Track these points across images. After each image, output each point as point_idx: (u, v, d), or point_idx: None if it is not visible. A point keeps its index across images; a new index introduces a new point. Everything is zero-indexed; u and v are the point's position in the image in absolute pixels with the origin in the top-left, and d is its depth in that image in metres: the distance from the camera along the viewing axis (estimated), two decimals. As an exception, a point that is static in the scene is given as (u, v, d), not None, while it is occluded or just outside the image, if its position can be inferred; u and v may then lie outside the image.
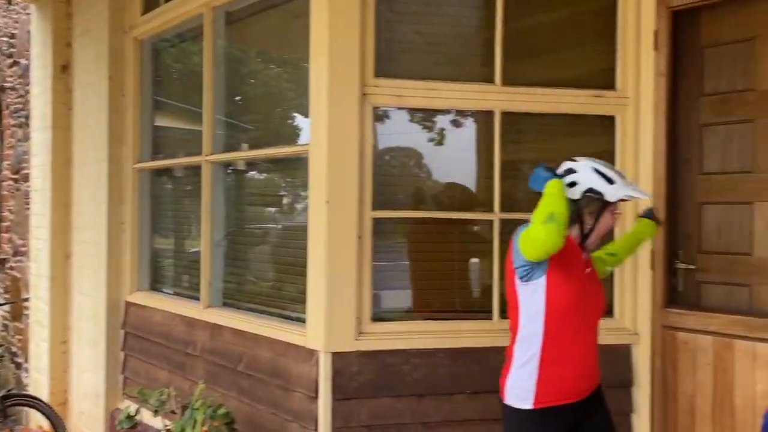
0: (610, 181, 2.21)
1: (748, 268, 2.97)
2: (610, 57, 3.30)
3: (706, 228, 3.11)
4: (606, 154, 3.31)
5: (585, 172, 2.22)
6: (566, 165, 2.27)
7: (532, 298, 2.21)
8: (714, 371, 2.96)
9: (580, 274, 2.26)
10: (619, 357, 3.18)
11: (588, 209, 2.24)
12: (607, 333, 3.13)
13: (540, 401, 2.20)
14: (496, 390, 3.07)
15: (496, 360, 3.03)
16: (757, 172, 2.95)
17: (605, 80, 3.30)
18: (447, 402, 3.09)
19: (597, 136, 3.37)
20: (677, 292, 3.16)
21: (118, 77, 4.60)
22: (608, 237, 2.60)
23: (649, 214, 2.77)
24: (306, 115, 3.22)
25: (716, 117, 3.08)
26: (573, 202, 2.18)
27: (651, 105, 3.17)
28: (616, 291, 3.27)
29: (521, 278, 2.21)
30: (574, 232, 2.28)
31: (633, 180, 3.22)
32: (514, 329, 2.32)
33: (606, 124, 3.33)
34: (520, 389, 2.24)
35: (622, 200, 2.27)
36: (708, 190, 3.10)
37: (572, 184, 2.21)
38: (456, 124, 3.38)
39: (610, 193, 2.20)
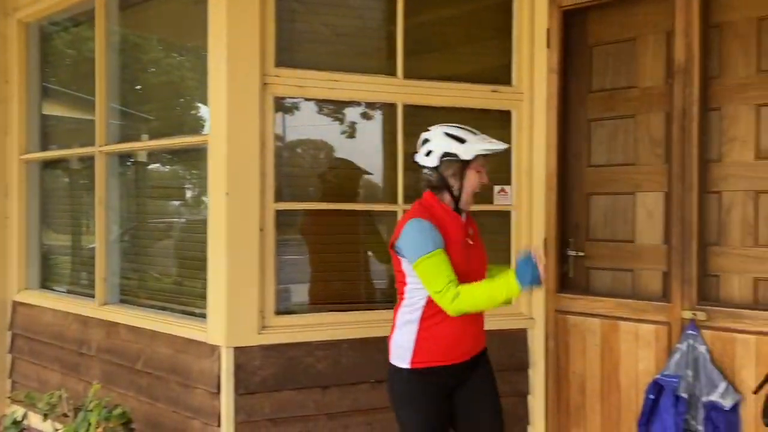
0: (461, 140, 2.30)
1: (630, 255, 3.18)
2: (507, 53, 3.43)
3: (593, 217, 3.30)
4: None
5: (437, 139, 2.33)
6: (421, 137, 2.41)
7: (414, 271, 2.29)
8: (602, 351, 3.14)
9: (458, 245, 2.31)
10: (516, 341, 3.33)
11: (450, 172, 2.32)
12: (504, 318, 3.29)
13: (416, 361, 2.31)
14: (401, 378, 3.14)
15: (399, 349, 3.10)
16: (638, 165, 3.16)
17: (502, 76, 3.43)
18: (351, 392, 3.11)
19: (496, 130, 3.47)
20: (568, 278, 3.33)
21: (0, 63, 4.30)
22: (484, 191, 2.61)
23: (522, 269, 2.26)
24: (208, 105, 3.14)
25: (603, 113, 3.26)
26: (435, 170, 2.32)
27: (544, 100, 3.32)
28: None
29: (404, 256, 2.31)
30: (446, 198, 2.36)
31: (527, 173, 3.38)
32: (400, 294, 2.44)
33: (504, 118, 3.46)
34: (400, 349, 2.36)
35: (482, 155, 2.33)
36: (595, 181, 3.28)
37: (428, 153, 2.34)
38: (361, 116, 3.40)
39: (464, 151, 2.28)
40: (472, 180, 2.34)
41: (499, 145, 2.35)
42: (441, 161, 2.30)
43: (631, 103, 3.17)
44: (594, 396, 3.18)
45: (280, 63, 3.05)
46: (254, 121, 2.95)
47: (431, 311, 2.29)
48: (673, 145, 2.95)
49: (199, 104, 3.69)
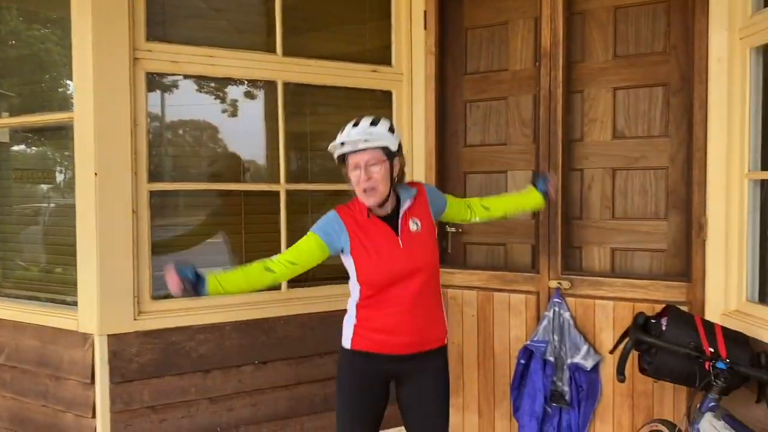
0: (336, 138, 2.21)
1: (503, 229, 3.36)
2: (387, 34, 3.48)
3: (470, 195, 3.43)
4: (386, 127, 3.50)
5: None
6: None
7: (349, 266, 2.30)
8: (478, 322, 3.31)
9: (380, 244, 2.23)
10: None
11: (344, 173, 2.28)
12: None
13: (354, 343, 2.32)
14: (286, 358, 3.17)
15: (284, 329, 3.12)
16: (509, 144, 3.33)
17: (382, 56, 3.48)
18: (235, 374, 3.09)
19: (378, 110, 3.52)
20: (447, 253, 3.46)
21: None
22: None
23: (541, 186, 2.58)
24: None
25: (477, 94, 3.40)
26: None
27: (423, 81, 3.40)
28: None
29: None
30: None
31: (407, 152, 3.46)
32: None
33: (385, 98, 3.52)
34: (344, 329, 2.37)
35: (342, 158, 2.22)
36: (471, 160, 3.42)
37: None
38: (242, 95, 3.33)
39: (333, 151, 2.23)
40: (352, 179, 2.21)
41: (342, 141, 2.17)
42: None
43: (503, 85, 3.32)
44: (471, 365, 3.34)
45: (152, 37, 2.92)
46: (124, 98, 2.81)
47: (365, 303, 2.28)
48: (540, 125, 3.13)
49: (68, 81, 3.46)
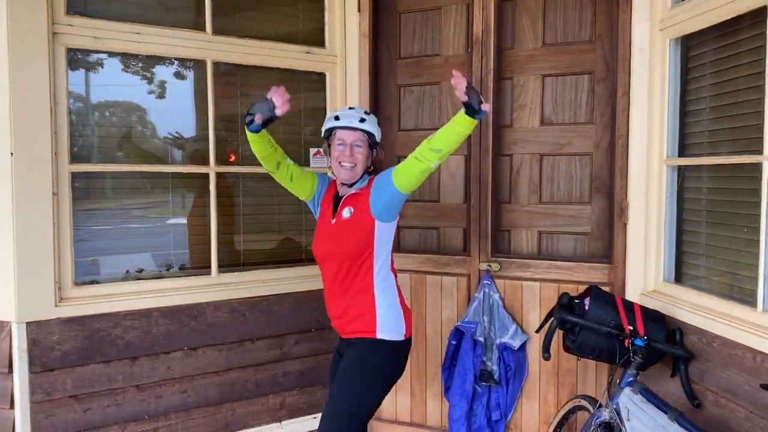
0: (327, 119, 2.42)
1: (436, 214, 3.40)
2: (320, 15, 3.44)
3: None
4: (320, 110, 3.48)
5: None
6: None
7: None
8: (411, 304, 3.34)
9: (323, 220, 2.45)
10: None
11: (325, 150, 2.53)
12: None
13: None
14: (216, 344, 3.13)
15: (213, 315, 3.07)
16: (442, 129, 3.36)
17: (316, 38, 3.44)
18: (164, 361, 3.02)
19: (312, 92, 3.51)
20: (381, 237, 3.47)
21: None
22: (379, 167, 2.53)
23: (468, 103, 2.04)
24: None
25: (411, 79, 3.41)
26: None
27: (357, 64, 3.39)
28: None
29: None
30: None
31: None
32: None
33: (320, 80, 3.49)
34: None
35: (332, 131, 2.40)
36: (405, 144, 3.44)
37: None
38: (171, 74, 3.22)
39: (323, 129, 2.43)
40: (334, 154, 2.39)
41: (336, 118, 2.38)
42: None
43: (436, 70, 3.35)
44: (404, 346, 3.38)
45: (72, 10, 2.78)
46: (43, 74, 2.67)
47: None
48: (472, 110, 3.17)
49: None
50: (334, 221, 2.37)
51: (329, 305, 2.44)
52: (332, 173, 2.45)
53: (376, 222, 2.29)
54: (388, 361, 2.34)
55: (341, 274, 2.33)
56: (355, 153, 2.33)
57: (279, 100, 2.15)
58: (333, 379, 2.40)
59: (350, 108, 2.43)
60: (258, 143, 2.27)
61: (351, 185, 2.38)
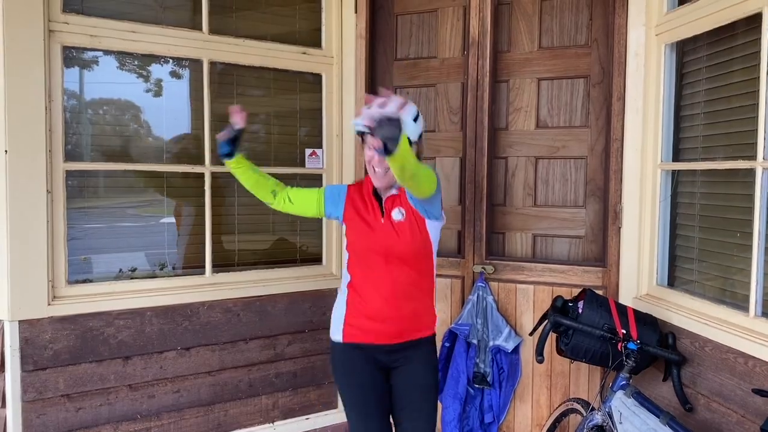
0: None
1: (431, 215, 3.40)
2: (317, 16, 3.44)
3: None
4: (316, 111, 3.48)
5: None
6: None
7: (344, 235, 2.34)
8: (404, 307, 3.34)
9: (369, 218, 2.26)
10: (326, 300, 3.41)
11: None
12: (315, 279, 3.38)
13: (346, 335, 2.27)
14: (208, 343, 3.12)
15: (207, 315, 3.06)
16: (438, 131, 3.37)
17: (312, 39, 3.44)
18: (156, 361, 3.01)
19: (308, 93, 3.50)
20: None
21: None
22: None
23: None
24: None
25: (407, 80, 3.42)
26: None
27: (353, 65, 3.39)
28: (323, 239, 3.50)
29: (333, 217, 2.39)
30: None
31: (337, 136, 3.45)
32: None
33: (315, 81, 3.48)
34: (333, 320, 2.34)
35: (363, 133, 2.15)
36: (400, 146, 3.43)
37: None
38: (166, 73, 3.21)
39: (354, 126, 2.14)
40: (366, 156, 2.23)
41: (359, 123, 1.99)
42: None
43: (432, 72, 3.35)
44: (398, 348, 3.38)
45: (68, 8, 2.78)
46: (38, 72, 2.66)
47: (354, 284, 2.33)
48: (467, 113, 3.18)
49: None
50: (384, 220, 2.23)
51: (375, 311, 2.22)
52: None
53: (426, 221, 2.22)
54: None
55: (402, 276, 2.21)
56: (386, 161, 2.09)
57: (235, 117, 2.23)
58: (384, 399, 2.29)
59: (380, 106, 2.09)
60: (240, 171, 2.33)
61: (385, 189, 2.26)
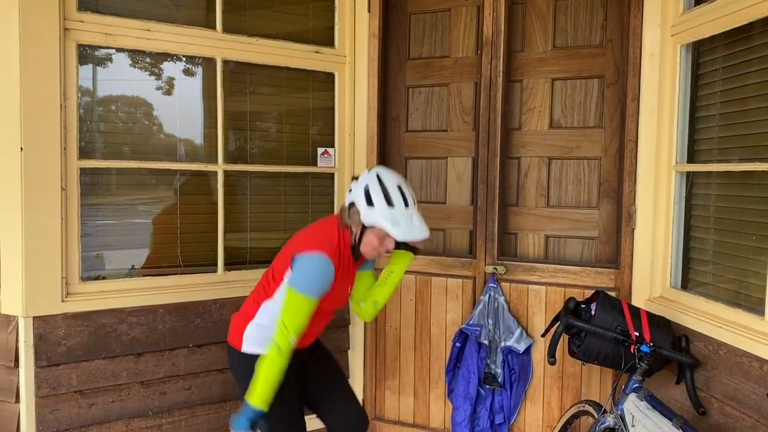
0: (370, 202, 2.14)
1: (443, 215, 3.40)
2: (330, 15, 3.44)
3: (410, 180, 3.47)
4: (328, 110, 3.48)
5: (358, 185, 2.20)
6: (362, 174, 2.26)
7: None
8: (416, 305, 3.35)
9: (345, 280, 2.33)
10: (337, 300, 3.41)
11: (352, 221, 2.21)
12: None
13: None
14: (220, 342, 3.12)
15: (219, 312, 3.07)
16: (450, 131, 3.36)
17: (325, 38, 3.44)
18: (168, 358, 3.02)
19: (320, 92, 3.51)
20: (387, 238, 3.47)
21: None
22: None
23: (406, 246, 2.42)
24: None
25: (420, 80, 3.41)
26: (352, 205, 2.22)
27: (366, 64, 3.39)
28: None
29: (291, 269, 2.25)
30: (349, 235, 2.26)
31: (349, 135, 3.44)
32: (270, 289, 2.35)
33: (329, 80, 3.48)
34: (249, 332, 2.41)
35: (386, 231, 2.14)
36: (412, 145, 3.44)
37: (350, 190, 2.25)
38: (180, 71, 3.22)
39: (365, 214, 2.15)
40: (370, 242, 2.20)
41: (401, 234, 2.11)
42: (350, 206, 2.21)
43: (445, 71, 3.34)
44: (408, 347, 3.39)
45: (84, 7, 2.79)
46: (53, 70, 2.68)
47: None
48: (480, 113, 3.17)
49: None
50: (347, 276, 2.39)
51: (318, 330, 2.51)
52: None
53: None
54: None
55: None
56: (389, 247, 2.27)
57: None
58: (313, 376, 2.59)
59: (398, 196, 2.16)
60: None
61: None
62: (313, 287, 2.15)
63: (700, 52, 2.62)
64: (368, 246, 2.22)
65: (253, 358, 2.24)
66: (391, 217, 2.11)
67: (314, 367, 2.58)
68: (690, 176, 2.66)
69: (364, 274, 2.55)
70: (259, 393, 2.12)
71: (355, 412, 2.57)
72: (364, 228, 2.19)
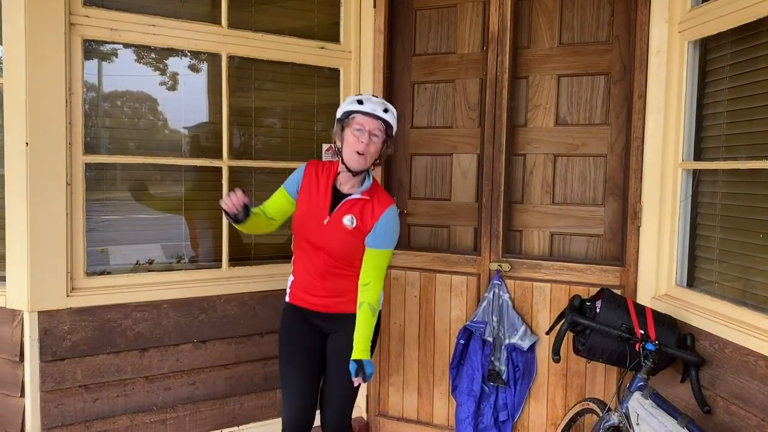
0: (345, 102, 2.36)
1: (447, 212, 3.39)
2: (336, 11, 3.43)
3: (415, 177, 3.46)
4: (333, 106, 3.47)
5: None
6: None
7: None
8: (420, 302, 3.34)
9: (316, 206, 2.40)
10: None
11: (336, 137, 2.41)
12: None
13: (291, 297, 2.59)
14: (225, 337, 3.13)
15: (223, 308, 3.07)
16: (455, 127, 3.35)
17: (331, 33, 3.43)
18: (173, 353, 3.03)
19: (325, 88, 3.50)
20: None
21: None
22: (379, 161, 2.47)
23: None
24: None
25: (425, 76, 3.40)
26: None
27: (371, 60, 3.38)
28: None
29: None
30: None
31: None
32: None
33: (334, 76, 3.48)
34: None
35: (350, 114, 2.32)
36: (417, 142, 3.43)
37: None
38: (185, 67, 3.22)
39: (337, 115, 2.38)
40: (348, 139, 2.34)
41: (368, 107, 2.31)
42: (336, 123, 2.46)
43: (451, 68, 3.33)
44: (412, 344, 3.38)
45: (89, 2, 2.79)
46: (59, 65, 2.68)
47: (294, 252, 2.57)
48: (486, 110, 3.16)
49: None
50: (327, 221, 2.37)
51: (307, 284, 2.49)
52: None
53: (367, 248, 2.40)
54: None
55: (329, 266, 2.43)
56: (372, 142, 2.30)
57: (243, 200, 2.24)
58: (310, 346, 2.52)
59: (374, 95, 2.38)
60: (248, 226, 2.36)
61: (355, 174, 2.37)
62: (287, 179, 2.48)
63: (707, 48, 2.60)
64: (349, 148, 2.31)
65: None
66: (354, 99, 2.32)
67: (329, 355, 2.53)
68: (696, 174, 2.64)
69: (368, 252, 2.41)
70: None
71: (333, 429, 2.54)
72: (342, 130, 2.36)
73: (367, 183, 2.40)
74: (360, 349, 2.31)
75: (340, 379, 2.43)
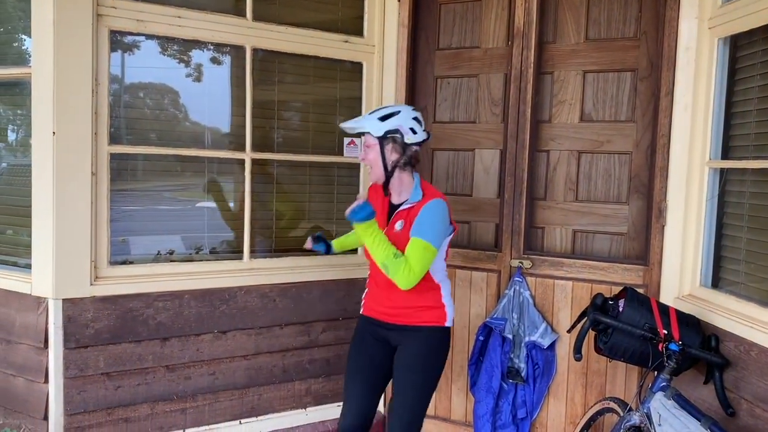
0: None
1: (469, 208, 3.37)
2: (360, 4, 3.42)
3: (437, 172, 3.45)
4: (356, 99, 3.47)
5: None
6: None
7: None
8: (439, 298, 3.32)
9: (379, 218, 2.45)
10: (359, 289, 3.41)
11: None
12: (349, 268, 3.38)
13: (364, 308, 2.63)
14: (244, 328, 3.15)
15: (244, 299, 3.09)
16: (478, 123, 3.33)
17: (354, 27, 3.43)
18: (193, 343, 3.05)
19: (347, 81, 3.50)
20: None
21: None
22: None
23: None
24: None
25: (448, 70, 3.38)
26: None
27: (394, 54, 3.37)
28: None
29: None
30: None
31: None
32: None
33: (356, 69, 3.47)
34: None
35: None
36: (439, 137, 3.41)
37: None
38: (209, 59, 3.23)
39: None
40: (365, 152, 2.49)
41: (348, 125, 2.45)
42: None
43: (475, 62, 3.31)
44: (431, 340, 3.37)
45: (116, -7, 2.81)
46: (86, 55, 2.70)
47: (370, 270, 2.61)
48: (509, 105, 3.13)
49: (23, 35, 3.30)
50: (385, 231, 2.40)
51: (376, 295, 2.53)
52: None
53: None
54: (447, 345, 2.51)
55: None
56: (367, 155, 2.41)
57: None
58: (373, 356, 2.53)
59: (373, 111, 2.42)
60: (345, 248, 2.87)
61: (385, 185, 2.46)
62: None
63: (737, 45, 2.55)
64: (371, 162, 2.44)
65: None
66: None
67: (395, 368, 2.48)
68: (723, 173, 2.60)
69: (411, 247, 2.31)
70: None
71: None
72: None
73: (415, 197, 2.37)
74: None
75: (404, 392, 2.40)
